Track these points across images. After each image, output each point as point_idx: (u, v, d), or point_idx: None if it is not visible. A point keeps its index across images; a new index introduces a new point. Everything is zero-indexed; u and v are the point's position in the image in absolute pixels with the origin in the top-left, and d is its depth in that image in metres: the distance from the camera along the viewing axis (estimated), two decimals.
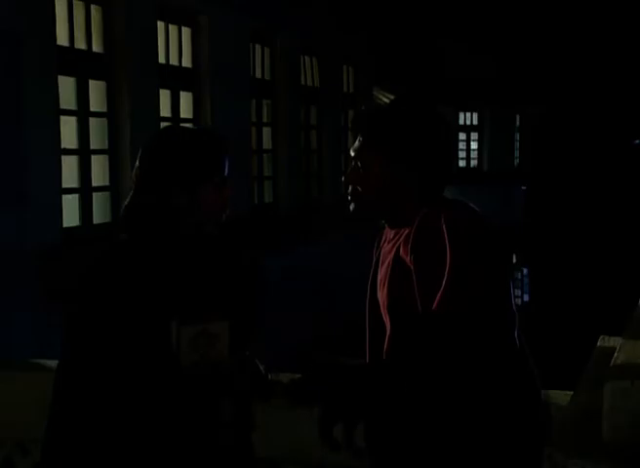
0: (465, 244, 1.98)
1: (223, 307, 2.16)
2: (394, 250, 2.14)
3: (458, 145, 24.62)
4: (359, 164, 2.21)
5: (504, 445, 2.06)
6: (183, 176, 2.16)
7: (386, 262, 2.18)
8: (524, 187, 24.37)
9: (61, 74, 7.82)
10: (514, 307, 2.05)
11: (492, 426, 2.04)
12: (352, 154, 2.25)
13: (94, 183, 8.39)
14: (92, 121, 8.39)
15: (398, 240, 2.16)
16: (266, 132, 12.18)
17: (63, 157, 7.90)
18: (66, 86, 7.97)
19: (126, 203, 2.21)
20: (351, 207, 2.24)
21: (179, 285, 2.13)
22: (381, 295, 2.19)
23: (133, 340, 2.08)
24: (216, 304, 2.16)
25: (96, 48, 8.41)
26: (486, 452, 2.05)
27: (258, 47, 11.78)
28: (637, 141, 26.60)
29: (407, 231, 2.11)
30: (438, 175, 2.20)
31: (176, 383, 2.08)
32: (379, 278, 2.23)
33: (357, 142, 2.23)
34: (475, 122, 25.03)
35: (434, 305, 1.95)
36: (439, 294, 1.95)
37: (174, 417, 2.11)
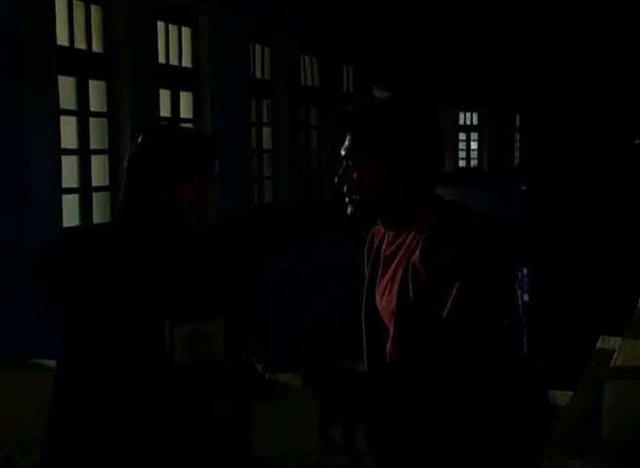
0: (475, 253, 1.96)
1: (219, 307, 2.16)
2: (403, 256, 2.09)
3: (458, 145, 24.61)
4: (350, 163, 2.16)
5: (504, 445, 2.05)
6: (160, 173, 2.16)
7: (392, 268, 2.13)
8: (524, 187, 24.36)
9: (61, 74, 7.81)
10: (520, 310, 2.05)
11: (492, 426, 2.04)
12: (343, 153, 2.19)
13: (94, 183, 8.38)
14: (92, 121, 8.38)
15: (402, 244, 2.11)
16: (266, 132, 12.17)
17: (63, 157, 7.89)
18: (66, 86, 7.96)
19: (118, 201, 2.23)
20: (349, 209, 2.20)
21: (172, 284, 2.14)
22: (384, 301, 2.14)
23: (129, 340, 2.08)
24: (211, 304, 2.16)
25: (96, 48, 8.40)
26: (486, 452, 2.04)
27: (258, 47, 11.78)
28: (637, 141, 26.59)
29: (413, 236, 2.07)
30: (436, 175, 2.19)
31: (170, 383, 2.08)
32: (381, 283, 2.18)
33: (347, 141, 2.17)
34: (475, 122, 25.00)
35: (445, 312, 1.95)
36: (449, 302, 1.94)
37: (171, 417, 2.11)
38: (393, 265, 2.12)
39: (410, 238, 2.09)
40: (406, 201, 2.13)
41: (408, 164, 2.13)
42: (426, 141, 2.15)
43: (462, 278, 1.94)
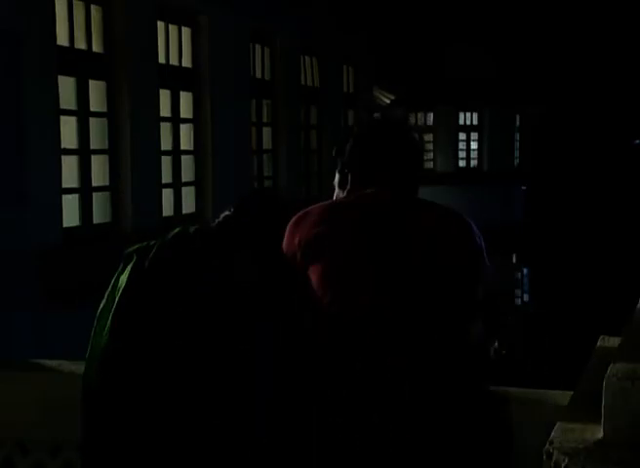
0: None
1: None
2: None
3: (458, 145, 24.62)
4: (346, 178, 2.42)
5: (504, 444, 2.06)
6: None
7: None
8: (524, 187, 24.36)
9: (61, 74, 7.81)
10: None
11: (490, 425, 2.04)
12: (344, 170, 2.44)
13: (94, 183, 8.38)
14: (92, 121, 8.38)
15: None
16: (266, 132, 12.17)
17: (63, 157, 7.89)
18: (66, 86, 7.97)
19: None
20: None
21: None
22: None
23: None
24: None
25: (96, 48, 8.40)
26: (483, 451, 2.05)
27: (258, 47, 11.77)
28: (637, 141, 26.60)
29: None
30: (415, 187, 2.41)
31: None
32: None
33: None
34: (475, 122, 25.00)
35: None
36: None
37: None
38: None
39: None
40: (393, 212, 2.23)
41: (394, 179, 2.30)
42: (402, 161, 2.35)
43: None
